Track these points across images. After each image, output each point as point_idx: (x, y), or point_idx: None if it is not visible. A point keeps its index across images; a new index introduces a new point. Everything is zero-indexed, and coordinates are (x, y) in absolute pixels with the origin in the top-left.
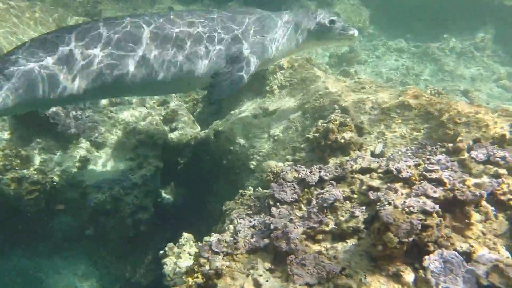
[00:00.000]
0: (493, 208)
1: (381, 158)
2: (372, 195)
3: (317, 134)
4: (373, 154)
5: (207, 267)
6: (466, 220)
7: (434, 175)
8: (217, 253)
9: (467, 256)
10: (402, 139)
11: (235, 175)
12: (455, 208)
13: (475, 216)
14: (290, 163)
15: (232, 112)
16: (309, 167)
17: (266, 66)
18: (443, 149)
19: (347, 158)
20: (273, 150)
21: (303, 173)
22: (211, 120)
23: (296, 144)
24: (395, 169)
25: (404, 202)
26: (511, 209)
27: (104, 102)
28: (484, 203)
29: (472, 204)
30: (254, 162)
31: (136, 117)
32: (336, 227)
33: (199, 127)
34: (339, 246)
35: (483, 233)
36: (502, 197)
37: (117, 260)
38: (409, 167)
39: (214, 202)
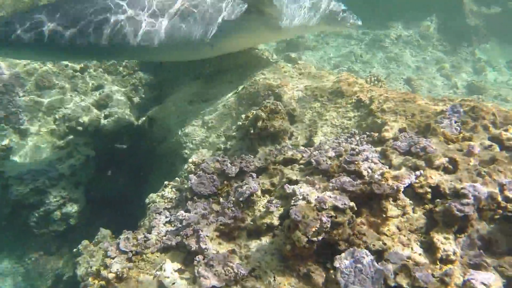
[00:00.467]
0: (411, 202)
1: (306, 148)
2: (288, 188)
3: (246, 122)
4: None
5: (106, 272)
6: (383, 215)
7: (353, 167)
8: (124, 252)
9: (379, 254)
10: (333, 128)
11: (169, 164)
12: (372, 202)
13: (392, 211)
14: (220, 152)
15: (169, 98)
16: (235, 156)
17: (274, 38)
18: (370, 139)
19: (273, 147)
20: (207, 138)
21: (224, 165)
22: (151, 106)
23: (230, 131)
24: (315, 160)
25: (318, 197)
26: (429, 202)
27: (30, 85)
28: (402, 196)
29: (389, 198)
30: (187, 151)
31: (66, 102)
32: (252, 223)
33: (135, 114)
34: (253, 244)
35: (399, 229)
36: (420, 190)
37: (47, 256)
38: (330, 158)
39: (150, 192)
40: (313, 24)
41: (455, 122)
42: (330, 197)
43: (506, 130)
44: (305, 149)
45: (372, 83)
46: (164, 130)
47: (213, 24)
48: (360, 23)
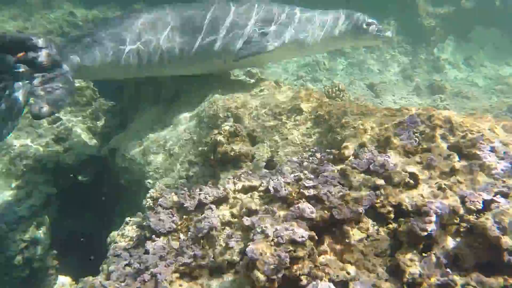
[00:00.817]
0: (374, 223)
1: (267, 172)
2: (246, 221)
3: (205, 148)
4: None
5: None
6: (346, 240)
7: (312, 192)
8: None
9: (344, 285)
10: (294, 147)
11: (134, 196)
12: (334, 228)
13: (356, 235)
14: (183, 180)
15: (130, 125)
16: (193, 188)
17: (302, 53)
18: (331, 157)
19: (232, 174)
20: (170, 166)
21: (182, 198)
22: (115, 134)
23: (192, 157)
24: (273, 187)
25: (276, 229)
26: (393, 222)
27: None
28: (365, 219)
29: (351, 222)
30: (150, 181)
31: (22, 138)
32: (213, 260)
33: (97, 144)
34: (215, 283)
35: (363, 254)
36: (382, 210)
37: None
38: (288, 184)
39: (120, 225)
40: (338, 39)
41: (414, 133)
42: (288, 229)
43: (464, 137)
44: (266, 172)
45: (333, 94)
46: (126, 160)
47: (238, 40)
48: (390, 34)
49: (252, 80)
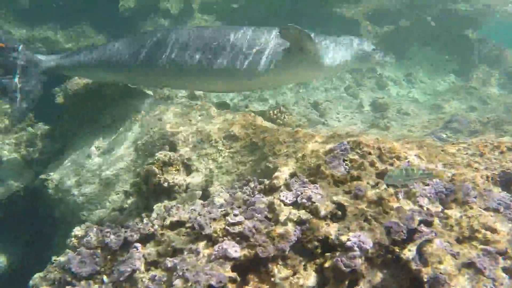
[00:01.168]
0: (301, 258)
1: (196, 205)
2: (169, 262)
3: (138, 179)
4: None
5: None
6: (272, 279)
7: (237, 229)
8: None
9: None
10: (228, 175)
11: (70, 228)
12: (259, 266)
13: (282, 272)
14: (116, 213)
15: (65, 153)
16: (119, 226)
17: (316, 76)
18: (262, 186)
19: (163, 207)
20: (105, 196)
21: (106, 237)
22: (51, 161)
23: (128, 187)
24: (198, 224)
25: (196, 273)
26: (320, 257)
27: None
28: (291, 254)
29: (277, 260)
30: (85, 213)
31: None
32: None
33: (31, 174)
34: None
35: None
36: (309, 245)
37: None
38: (214, 220)
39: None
40: (349, 62)
41: (344, 160)
42: (207, 273)
43: (392, 165)
44: (198, 205)
45: (274, 116)
46: (61, 191)
47: (255, 59)
48: (388, 59)
49: (194, 103)
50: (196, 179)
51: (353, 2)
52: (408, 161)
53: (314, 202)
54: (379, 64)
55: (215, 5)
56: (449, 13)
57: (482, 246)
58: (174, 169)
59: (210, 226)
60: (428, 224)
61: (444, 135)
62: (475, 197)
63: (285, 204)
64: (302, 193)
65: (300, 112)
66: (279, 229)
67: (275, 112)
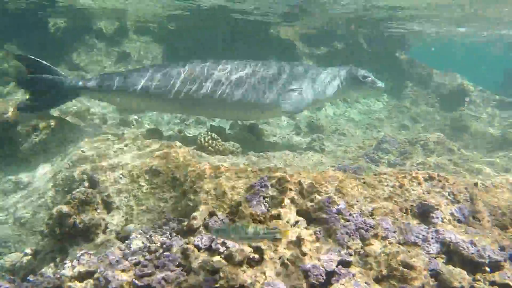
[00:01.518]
0: None
1: (115, 248)
2: None
3: (50, 221)
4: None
5: None
6: None
7: (145, 282)
8: None
9: None
10: (148, 213)
11: None
12: None
13: None
14: (30, 257)
15: None
16: (26, 279)
17: (316, 105)
18: (180, 227)
19: (76, 252)
20: (19, 238)
21: None
22: None
23: (44, 227)
24: (104, 277)
25: None
26: None
27: None
28: None
29: None
30: None
31: None
32: None
33: None
34: None
35: None
36: None
37: None
38: (123, 271)
39: None
40: (343, 92)
41: (264, 198)
42: None
43: (312, 200)
44: (109, 252)
45: (206, 143)
46: None
47: (263, 95)
48: (382, 85)
49: (121, 133)
50: (115, 218)
51: (290, 25)
52: (329, 197)
53: (229, 247)
54: (372, 90)
55: (151, 26)
56: (381, 36)
57: (400, 285)
58: (92, 208)
59: (117, 279)
60: (347, 264)
61: (376, 156)
62: (394, 232)
63: (199, 250)
64: (215, 238)
65: (235, 137)
66: (191, 280)
67: (207, 139)
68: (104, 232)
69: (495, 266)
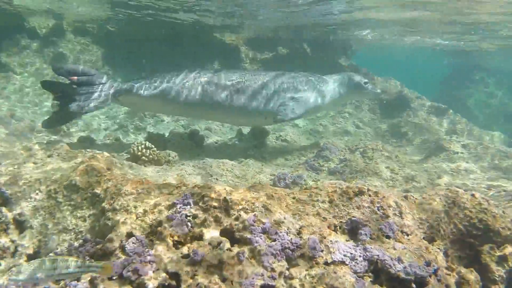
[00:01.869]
0: None
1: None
2: None
3: None
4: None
5: None
6: None
7: None
8: None
9: None
10: (66, 233)
11: None
12: None
13: None
14: None
15: None
16: None
17: (319, 111)
18: (97, 250)
19: None
20: None
21: None
22: None
23: None
24: None
25: None
26: None
27: None
28: None
29: None
30: None
31: None
32: None
33: None
34: None
35: None
36: None
37: None
38: None
39: None
40: (344, 98)
41: (186, 216)
42: None
43: (237, 219)
44: (11, 282)
45: (139, 153)
46: None
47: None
48: (379, 91)
49: (46, 143)
50: (27, 240)
51: (234, 30)
52: (254, 215)
53: (141, 275)
54: (371, 95)
55: (90, 27)
56: (323, 42)
57: None
58: (1, 228)
59: None
60: None
61: (317, 164)
62: (321, 251)
63: (110, 278)
64: (129, 264)
65: (174, 144)
66: None
67: (140, 148)
68: (13, 256)
69: (421, 282)
